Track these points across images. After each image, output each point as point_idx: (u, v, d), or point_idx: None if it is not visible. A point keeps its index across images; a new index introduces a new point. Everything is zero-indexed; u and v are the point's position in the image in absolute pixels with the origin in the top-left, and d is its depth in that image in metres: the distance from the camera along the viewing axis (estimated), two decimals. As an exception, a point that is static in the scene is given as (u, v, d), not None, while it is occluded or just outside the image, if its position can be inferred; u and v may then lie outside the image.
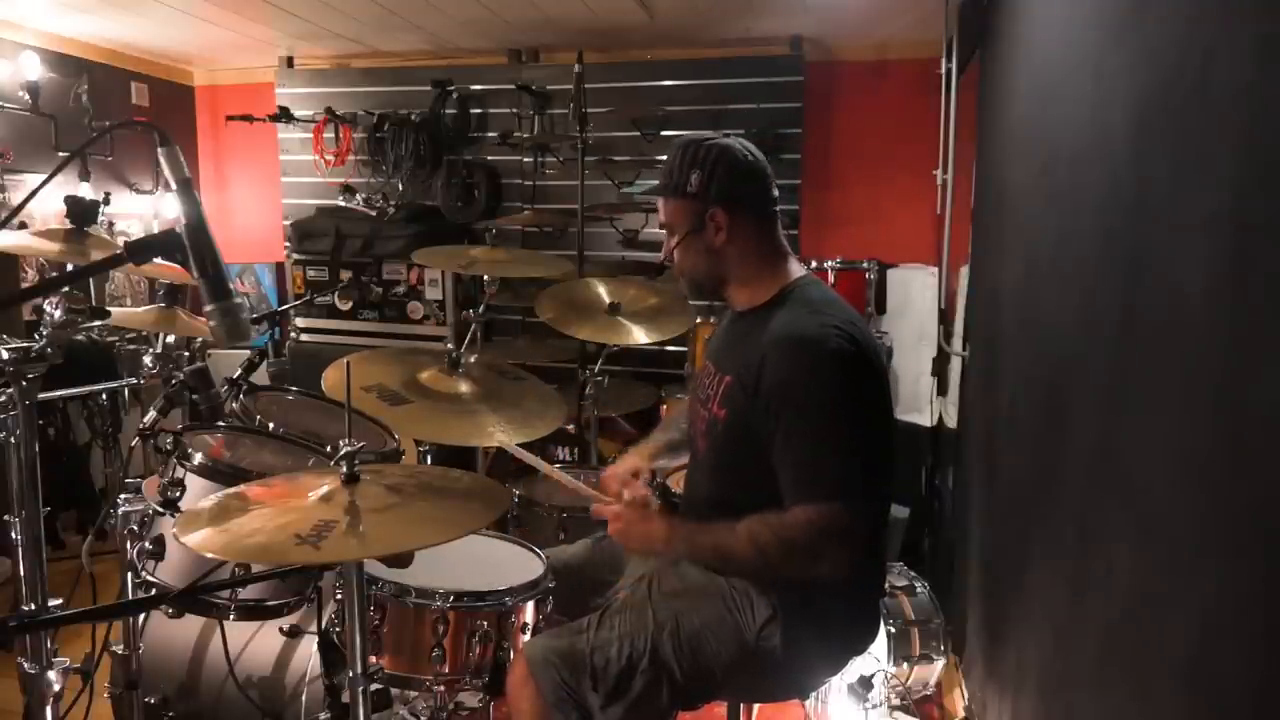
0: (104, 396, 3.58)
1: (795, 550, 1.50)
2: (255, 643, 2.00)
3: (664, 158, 3.90)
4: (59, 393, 2.87)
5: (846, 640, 1.71)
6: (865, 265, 3.62)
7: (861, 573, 1.65)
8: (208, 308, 1.16)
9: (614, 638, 1.57)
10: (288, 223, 4.37)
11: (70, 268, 2.43)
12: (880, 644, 2.53)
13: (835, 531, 1.49)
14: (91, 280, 3.89)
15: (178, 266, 1.16)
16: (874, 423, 1.59)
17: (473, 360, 2.29)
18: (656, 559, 1.81)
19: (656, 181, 1.78)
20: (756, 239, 1.69)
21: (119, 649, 1.82)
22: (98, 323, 1.65)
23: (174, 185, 1.16)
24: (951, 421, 3.23)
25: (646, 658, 1.55)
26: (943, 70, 3.09)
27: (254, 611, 1.78)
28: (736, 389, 1.61)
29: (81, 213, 2.07)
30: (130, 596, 1.76)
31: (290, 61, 4.45)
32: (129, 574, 1.76)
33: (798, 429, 1.51)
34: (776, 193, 1.71)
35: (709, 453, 1.69)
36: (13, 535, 1.48)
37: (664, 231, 1.77)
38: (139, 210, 4.42)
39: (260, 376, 2.32)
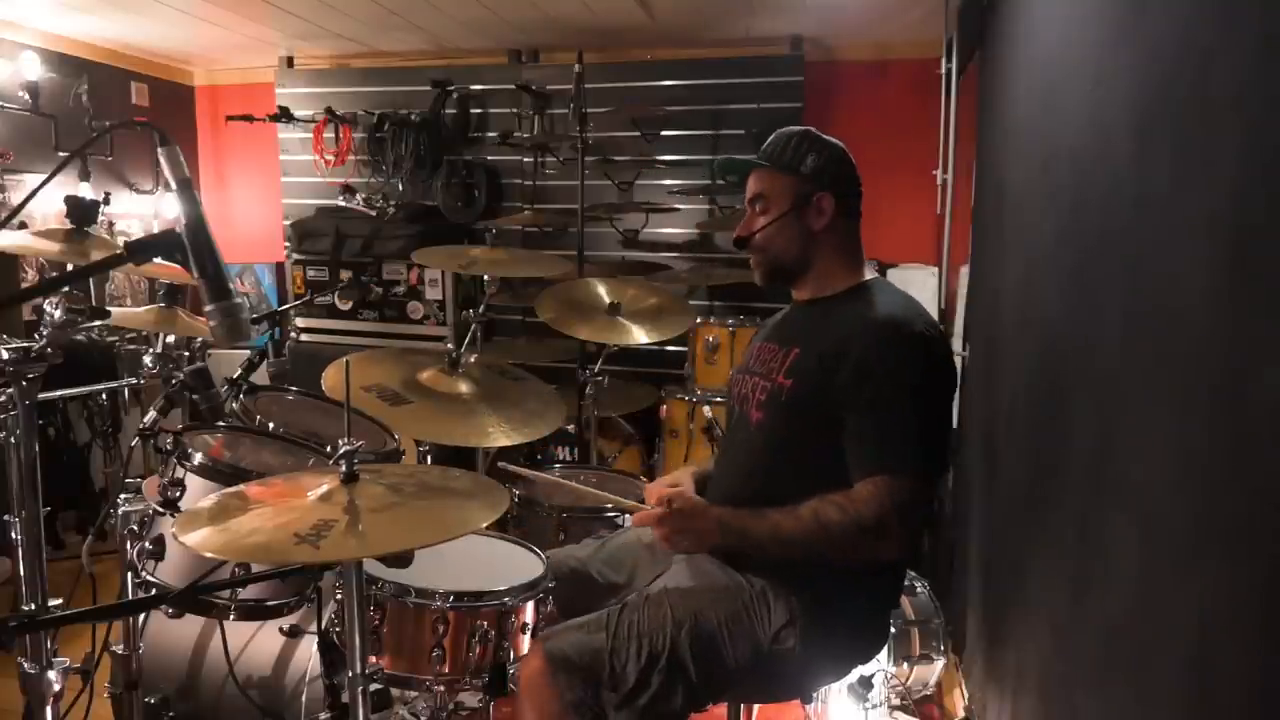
0: (104, 396, 3.59)
1: (864, 527, 1.50)
2: (255, 643, 2.00)
3: (666, 157, 3.97)
4: (59, 393, 2.86)
5: (857, 647, 1.71)
6: (865, 265, 3.62)
7: (883, 582, 1.66)
8: (208, 308, 1.16)
9: (633, 636, 1.56)
10: (288, 223, 4.38)
11: (70, 268, 2.43)
12: (880, 644, 2.53)
13: (905, 507, 1.51)
14: (91, 280, 3.90)
15: (178, 266, 1.16)
16: (945, 411, 1.64)
17: (473, 360, 2.29)
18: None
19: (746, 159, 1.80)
20: (847, 235, 1.78)
21: (119, 649, 1.82)
22: (98, 323, 1.65)
23: (174, 185, 1.16)
24: (951, 421, 3.23)
25: (665, 657, 1.54)
26: (943, 70, 3.10)
27: (254, 611, 1.78)
28: (811, 361, 1.64)
29: (81, 213, 2.08)
30: (130, 596, 1.76)
31: (290, 61, 4.45)
32: (129, 574, 1.76)
33: (882, 403, 1.55)
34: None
35: (766, 421, 1.69)
36: (13, 535, 1.47)
37: (751, 206, 1.76)
38: (139, 210, 4.42)
39: (260, 376, 2.32)
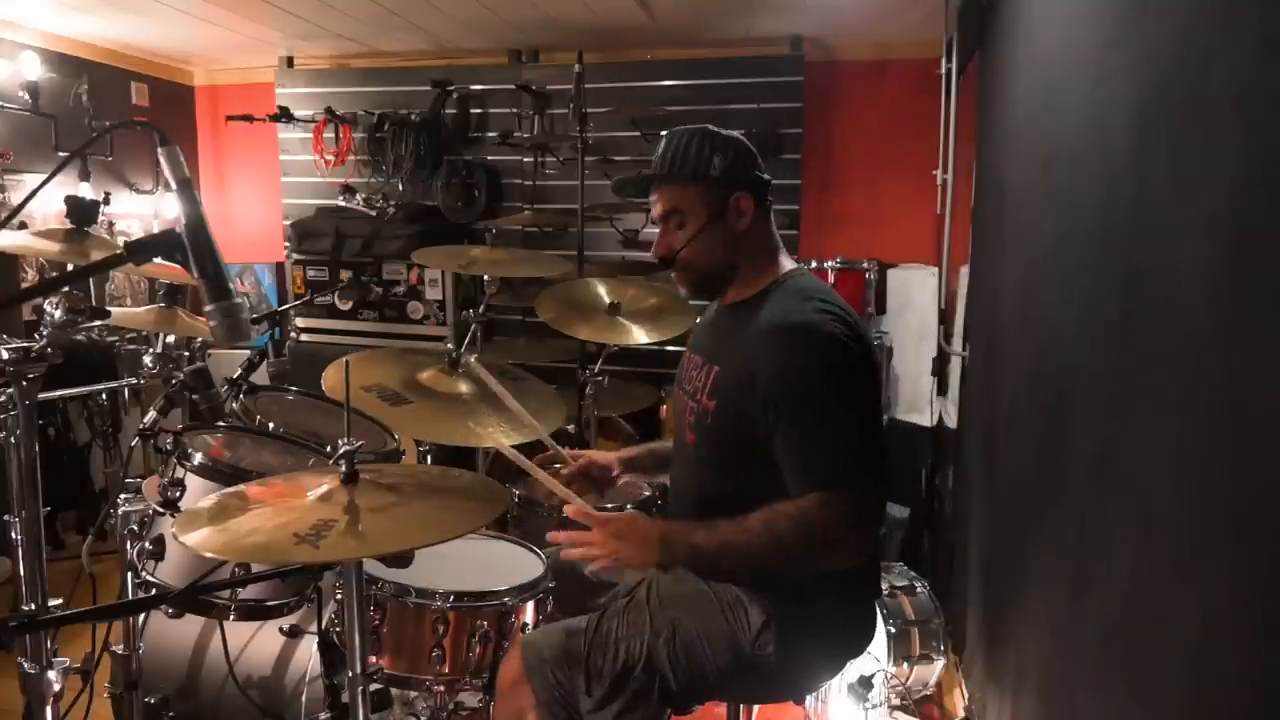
0: (104, 396, 3.59)
1: (815, 538, 1.46)
2: (255, 643, 2.00)
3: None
4: (59, 393, 2.87)
5: (842, 644, 1.69)
6: (865, 265, 3.63)
7: (856, 575, 1.63)
8: (208, 308, 1.15)
9: (611, 642, 1.56)
10: (288, 223, 4.37)
11: (70, 268, 2.43)
12: (880, 644, 2.53)
13: (852, 516, 1.47)
14: (91, 280, 3.89)
15: (178, 266, 1.16)
16: (872, 407, 1.58)
17: (473, 360, 2.29)
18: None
19: (641, 172, 1.70)
20: (765, 229, 1.68)
21: (119, 649, 1.82)
22: (98, 323, 1.65)
23: (174, 185, 1.16)
24: (951, 421, 3.23)
25: (641, 664, 1.54)
26: (943, 70, 3.10)
27: (254, 611, 1.79)
28: (728, 380, 1.59)
29: (81, 213, 2.07)
30: (130, 596, 1.76)
31: (290, 61, 4.45)
32: (129, 574, 1.76)
33: (803, 418, 1.49)
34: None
35: (698, 445, 1.66)
36: (13, 535, 1.47)
37: (663, 222, 1.67)
38: (139, 210, 4.42)
39: (260, 376, 2.32)
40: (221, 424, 2.01)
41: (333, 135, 4.31)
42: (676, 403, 1.80)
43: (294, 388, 2.42)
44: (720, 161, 1.61)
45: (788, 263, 1.70)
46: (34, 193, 1.39)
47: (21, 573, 1.47)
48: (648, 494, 2.42)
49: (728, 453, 1.61)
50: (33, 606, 1.42)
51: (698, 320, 3.28)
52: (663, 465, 1.96)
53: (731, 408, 1.58)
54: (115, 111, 4.25)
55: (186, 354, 2.18)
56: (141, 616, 1.92)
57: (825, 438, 1.49)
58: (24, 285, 3.69)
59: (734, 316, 1.69)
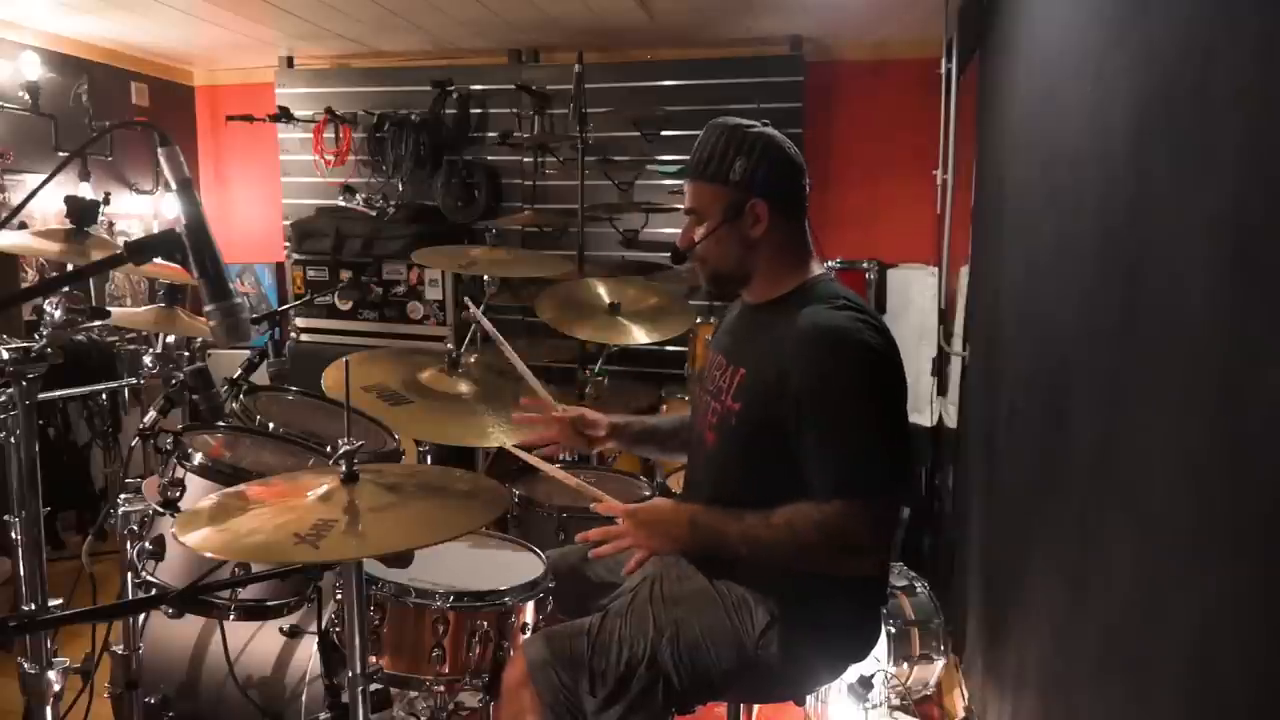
0: (104, 396, 3.59)
1: (836, 543, 1.46)
2: (255, 643, 2.00)
3: (666, 157, 3.96)
4: (59, 393, 2.86)
5: (846, 648, 1.68)
6: (865, 265, 3.62)
7: (864, 579, 1.63)
8: (208, 308, 1.15)
9: (614, 642, 1.56)
10: (288, 223, 4.38)
11: (70, 268, 2.43)
12: (880, 644, 2.53)
13: (879, 525, 1.48)
14: (91, 280, 3.89)
15: (178, 266, 1.16)
16: (900, 416, 1.58)
17: (473, 360, 2.29)
18: (660, 559, 1.80)
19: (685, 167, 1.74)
20: (789, 235, 1.65)
21: (119, 649, 1.82)
22: (98, 323, 1.65)
23: (174, 185, 1.16)
24: (951, 421, 3.23)
25: (644, 663, 1.54)
26: (943, 70, 3.10)
27: (254, 611, 1.78)
28: (755, 383, 1.58)
29: (81, 213, 2.08)
30: (130, 596, 1.76)
31: (290, 61, 4.46)
32: (129, 574, 1.76)
33: (833, 424, 1.48)
34: (808, 190, 1.68)
35: (719, 446, 1.65)
36: (13, 535, 1.47)
37: (687, 217, 1.68)
38: (139, 210, 4.42)
39: (260, 376, 2.32)
40: (221, 424, 2.01)
41: (333, 135, 4.31)
42: (696, 402, 1.79)
43: (294, 388, 2.42)
44: (742, 165, 1.58)
45: (816, 268, 1.69)
46: (34, 193, 1.39)
47: (21, 573, 1.47)
48: (647, 494, 2.42)
49: (750, 455, 1.61)
50: (33, 606, 1.42)
51: (698, 320, 3.31)
52: (650, 440, 1.96)
53: (758, 410, 1.57)
54: (115, 111, 4.25)
55: (186, 354, 2.18)
56: (141, 616, 1.92)
57: (854, 445, 1.48)
58: (24, 285, 3.69)
59: (759, 318, 1.68)
